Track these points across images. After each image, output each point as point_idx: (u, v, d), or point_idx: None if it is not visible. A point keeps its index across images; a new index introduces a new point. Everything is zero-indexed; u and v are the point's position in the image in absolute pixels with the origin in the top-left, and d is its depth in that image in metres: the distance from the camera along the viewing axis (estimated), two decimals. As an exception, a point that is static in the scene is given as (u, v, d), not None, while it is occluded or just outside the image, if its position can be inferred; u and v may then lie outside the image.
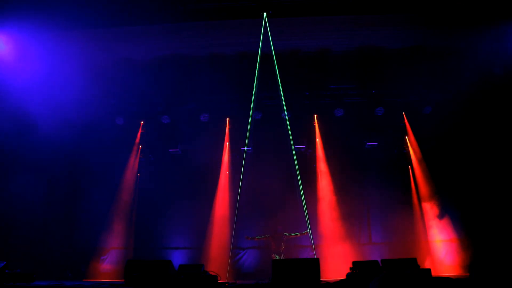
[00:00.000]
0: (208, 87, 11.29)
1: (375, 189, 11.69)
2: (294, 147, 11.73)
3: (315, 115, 12.14)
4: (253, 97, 10.46)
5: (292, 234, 10.59)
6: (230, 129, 12.16)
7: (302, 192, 10.68)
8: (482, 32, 9.71)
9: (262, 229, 11.25)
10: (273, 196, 11.49)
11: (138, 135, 12.33)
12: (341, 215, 11.38)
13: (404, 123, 11.82)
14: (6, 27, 9.08)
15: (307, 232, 10.62)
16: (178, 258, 11.37)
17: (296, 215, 11.31)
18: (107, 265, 11.43)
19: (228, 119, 12.18)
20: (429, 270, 7.17)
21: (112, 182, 11.75)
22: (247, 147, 11.55)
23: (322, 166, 11.87)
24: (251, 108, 10.70)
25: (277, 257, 10.37)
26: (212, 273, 7.51)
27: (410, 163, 11.80)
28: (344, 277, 7.56)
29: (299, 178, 10.78)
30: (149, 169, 12.36)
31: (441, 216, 11.09)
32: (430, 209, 11.27)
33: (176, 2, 9.07)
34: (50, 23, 8.83)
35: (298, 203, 11.52)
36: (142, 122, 12.35)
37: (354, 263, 7.44)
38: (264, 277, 9.19)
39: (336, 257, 10.81)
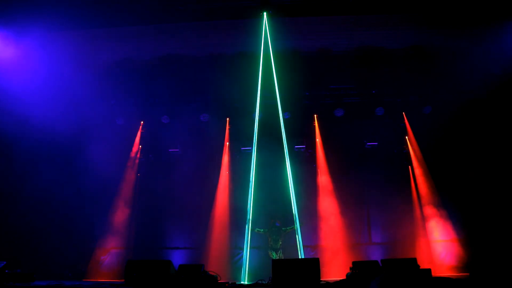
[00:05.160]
0: (208, 87, 11.29)
1: (375, 189, 11.68)
2: (294, 147, 11.76)
3: (315, 115, 12.14)
4: (258, 97, 10.43)
5: (288, 228, 10.61)
6: (230, 129, 12.15)
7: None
8: (481, 33, 9.72)
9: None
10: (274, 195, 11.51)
11: (138, 135, 12.34)
12: (341, 215, 11.37)
13: (404, 123, 11.83)
14: (6, 28, 9.08)
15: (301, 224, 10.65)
16: (178, 258, 11.37)
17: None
18: (107, 265, 11.42)
19: (228, 119, 12.18)
20: (429, 270, 7.15)
21: (112, 182, 11.74)
22: (248, 146, 11.56)
23: (322, 166, 11.86)
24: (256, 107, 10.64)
25: (274, 253, 10.39)
26: (212, 273, 7.51)
27: (410, 163, 11.79)
28: (344, 277, 7.56)
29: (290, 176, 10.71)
30: (149, 169, 12.36)
31: (441, 216, 11.08)
32: (430, 209, 11.26)
33: (176, 2, 9.07)
34: (50, 23, 8.83)
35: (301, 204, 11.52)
36: (142, 122, 12.36)
37: (354, 263, 7.44)
38: (264, 277, 9.20)
39: (336, 257, 10.82)
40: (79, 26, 9.27)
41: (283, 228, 10.69)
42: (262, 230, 10.77)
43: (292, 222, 10.56)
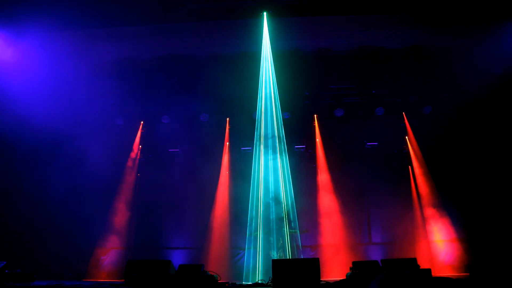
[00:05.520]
0: (208, 87, 11.29)
1: (375, 189, 11.68)
2: (294, 147, 11.76)
3: (315, 115, 12.14)
4: (259, 97, 10.45)
5: (291, 230, 10.59)
6: (230, 129, 12.16)
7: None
8: (481, 33, 9.72)
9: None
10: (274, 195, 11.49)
11: (138, 135, 12.34)
12: (341, 215, 11.36)
13: (404, 123, 11.83)
14: (6, 28, 9.08)
15: (307, 231, 10.63)
16: (178, 258, 11.36)
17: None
18: (107, 265, 11.42)
19: (228, 119, 12.18)
20: (429, 270, 7.16)
21: (112, 182, 11.74)
22: (248, 146, 11.57)
23: (322, 166, 11.85)
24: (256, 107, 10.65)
25: (274, 253, 10.38)
26: (212, 273, 7.52)
27: (410, 163, 11.79)
28: (344, 277, 7.56)
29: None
30: (149, 169, 12.36)
31: (441, 216, 11.08)
32: (430, 209, 11.26)
33: (176, 2, 9.08)
34: (49, 23, 8.83)
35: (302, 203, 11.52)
36: (142, 122, 12.36)
37: (354, 263, 7.44)
38: (264, 277, 9.20)
39: (336, 257, 10.81)
40: (79, 26, 9.27)
41: (284, 229, 10.68)
42: (261, 231, 10.79)
43: (293, 223, 10.59)
